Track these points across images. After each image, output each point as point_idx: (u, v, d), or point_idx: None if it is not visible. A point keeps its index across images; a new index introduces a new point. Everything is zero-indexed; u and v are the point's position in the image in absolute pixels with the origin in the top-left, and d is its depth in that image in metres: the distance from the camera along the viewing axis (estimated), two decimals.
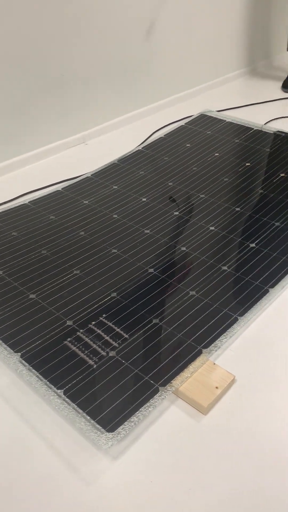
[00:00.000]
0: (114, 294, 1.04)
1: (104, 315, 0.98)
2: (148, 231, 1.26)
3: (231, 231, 1.25)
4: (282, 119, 1.94)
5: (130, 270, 1.11)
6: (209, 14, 2.08)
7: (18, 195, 1.47)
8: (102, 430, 0.75)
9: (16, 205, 1.39)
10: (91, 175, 1.55)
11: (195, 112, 2.02)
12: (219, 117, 1.90)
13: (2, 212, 1.36)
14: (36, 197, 1.43)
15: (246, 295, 1.03)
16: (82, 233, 1.26)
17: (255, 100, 2.14)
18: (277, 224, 1.27)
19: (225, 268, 1.12)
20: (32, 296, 1.03)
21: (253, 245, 1.20)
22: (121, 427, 0.75)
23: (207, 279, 1.08)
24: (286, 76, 2.38)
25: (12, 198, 1.46)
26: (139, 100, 1.95)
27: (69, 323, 0.96)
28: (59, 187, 1.49)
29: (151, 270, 1.11)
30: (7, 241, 1.23)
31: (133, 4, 1.73)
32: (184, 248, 1.19)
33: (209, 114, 1.93)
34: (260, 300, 1.02)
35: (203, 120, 1.89)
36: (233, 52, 2.33)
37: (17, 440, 0.78)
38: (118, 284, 1.07)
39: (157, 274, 1.10)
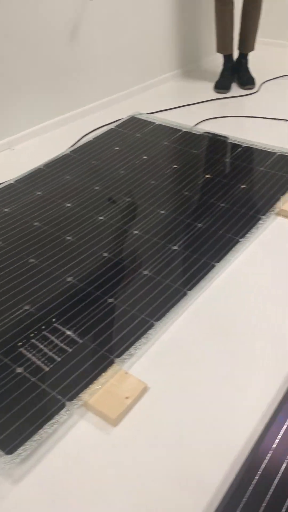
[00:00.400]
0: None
1: None
2: (70, 238, 1.23)
3: (155, 234, 1.24)
4: (212, 120, 1.96)
5: (46, 280, 1.08)
6: (135, 16, 2.07)
7: None
8: (0, 453, 0.71)
9: None
10: (15, 181, 1.50)
11: (126, 115, 2.00)
12: (149, 120, 1.89)
13: None
14: None
15: (164, 298, 1.02)
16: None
17: (186, 102, 2.15)
18: (199, 225, 1.27)
19: (146, 272, 1.10)
20: None
21: (175, 247, 1.19)
22: (21, 447, 0.72)
23: (126, 285, 1.06)
24: (218, 77, 2.41)
25: None
26: (68, 103, 1.91)
27: None
28: None
29: (69, 278, 1.08)
30: None
31: (58, 6, 1.69)
32: (106, 254, 1.16)
33: (139, 117, 1.92)
34: (178, 303, 1.01)
35: (133, 123, 1.87)
36: (163, 54, 2.34)
37: None
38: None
39: (76, 282, 1.07)
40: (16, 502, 0.69)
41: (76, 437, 0.78)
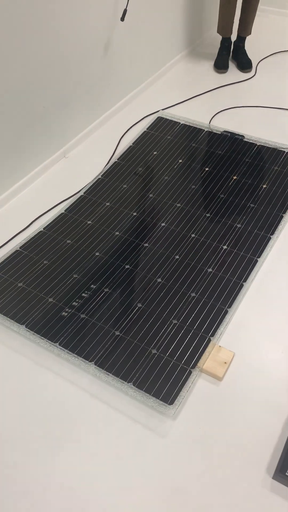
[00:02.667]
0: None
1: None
2: (147, 245, 1.66)
3: (208, 235, 1.69)
4: (223, 112, 2.31)
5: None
6: (149, 10, 2.31)
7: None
8: (166, 404, 1.22)
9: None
10: (84, 193, 1.88)
11: (147, 110, 2.33)
12: (174, 120, 2.24)
13: None
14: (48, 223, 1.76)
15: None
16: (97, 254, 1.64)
17: (196, 90, 2.47)
18: (238, 226, 1.72)
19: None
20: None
21: (225, 246, 1.64)
22: (176, 399, 1.23)
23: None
24: (216, 56, 2.71)
25: None
26: (100, 107, 2.23)
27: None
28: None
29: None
30: None
31: (91, 29, 1.95)
32: (177, 257, 1.61)
33: (165, 116, 2.26)
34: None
35: (161, 124, 2.22)
36: (171, 39, 2.60)
37: (113, 421, 1.23)
38: None
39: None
40: (179, 431, 1.20)
41: (199, 390, 1.29)
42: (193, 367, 1.31)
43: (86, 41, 1.95)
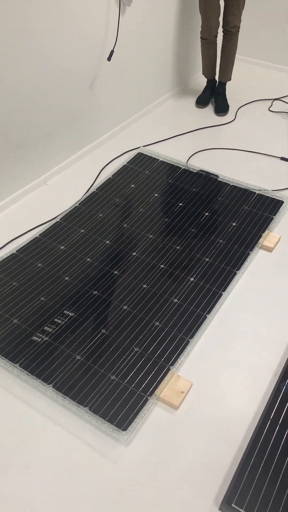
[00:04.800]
0: None
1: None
2: (116, 272, 1.70)
3: (174, 265, 1.74)
4: (201, 152, 2.42)
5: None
6: (138, 52, 2.44)
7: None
8: (119, 430, 1.22)
9: None
10: (60, 219, 1.93)
11: (130, 144, 2.43)
12: (153, 156, 2.33)
13: None
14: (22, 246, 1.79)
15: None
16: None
17: (178, 129, 2.59)
18: (206, 260, 1.77)
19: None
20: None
21: (192, 279, 1.69)
22: (130, 426, 1.23)
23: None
24: (200, 93, 2.88)
25: None
26: (83, 139, 2.31)
27: None
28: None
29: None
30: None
31: (78, 65, 2.06)
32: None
33: (145, 152, 2.36)
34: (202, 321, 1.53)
35: (141, 159, 2.31)
36: (158, 80, 2.73)
37: (65, 445, 1.23)
38: None
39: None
40: (130, 458, 1.21)
41: (153, 418, 1.30)
42: (150, 394, 1.32)
43: (72, 76, 2.05)
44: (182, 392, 1.34)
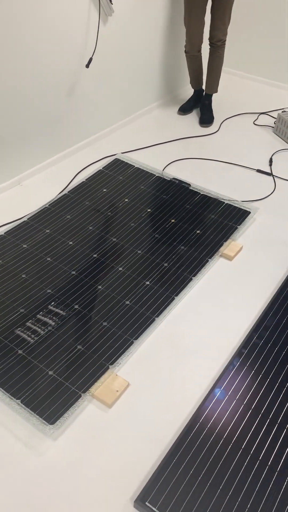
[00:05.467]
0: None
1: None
2: (74, 272, 1.74)
3: (135, 270, 1.76)
4: (178, 161, 2.45)
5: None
6: (122, 62, 2.50)
7: None
8: (47, 423, 1.25)
9: None
10: (28, 219, 1.97)
11: (111, 151, 2.47)
12: (129, 162, 2.38)
13: None
14: None
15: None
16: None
17: (159, 138, 2.63)
18: (165, 265, 1.80)
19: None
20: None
21: (148, 282, 1.71)
22: (59, 420, 1.26)
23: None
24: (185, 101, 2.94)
25: None
26: (61, 144, 2.36)
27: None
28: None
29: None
30: None
31: (56, 69, 2.12)
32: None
33: (121, 158, 2.40)
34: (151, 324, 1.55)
35: (117, 165, 2.35)
36: (144, 90, 2.79)
37: None
38: None
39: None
40: (55, 451, 1.23)
41: (86, 415, 1.32)
42: (85, 391, 1.34)
43: (49, 80, 2.11)
44: (117, 391, 1.35)
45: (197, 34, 2.54)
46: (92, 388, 1.35)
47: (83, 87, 2.30)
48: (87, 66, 2.15)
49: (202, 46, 2.64)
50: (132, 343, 1.50)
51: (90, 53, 2.22)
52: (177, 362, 1.47)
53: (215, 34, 2.55)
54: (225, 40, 2.61)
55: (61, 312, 1.58)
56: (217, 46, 2.61)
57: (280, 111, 2.87)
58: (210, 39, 2.59)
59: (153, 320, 1.58)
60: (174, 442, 1.24)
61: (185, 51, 2.65)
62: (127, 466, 1.21)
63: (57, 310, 1.58)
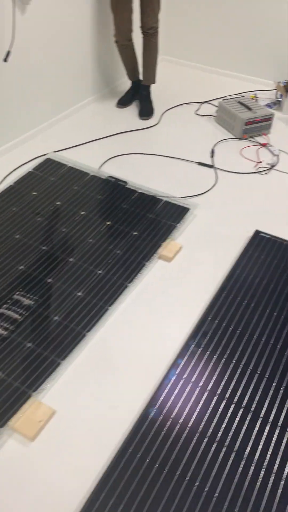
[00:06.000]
0: None
1: None
2: (22, 267, 1.58)
3: (66, 280, 1.62)
4: (115, 158, 2.31)
5: None
6: (50, 53, 2.33)
7: None
8: None
9: None
10: None
11: (43, 150, 2.31)
12: (62, 162, 2.22)
13: None
14: None
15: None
16: None
17: (96, 134, 2.48)
18: (99, 272, 1.66)
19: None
20: None
21: (80, 293, 1.57)
22: None
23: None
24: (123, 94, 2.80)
25: None
26: None
27: None
28: None
29: None
30: None
31: None
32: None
33: (53, 158, 2.24)
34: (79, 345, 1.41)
35: (48, 165, 2.19)
36: (78, 84, 2.62)
37: None
38: None
39: None
40: None
41: (6, 450, 1.17)
42: (2, 425, 1.20)
43: None
44: (40, 421, 1.21)
45: (125, 20, 2.39)
46: (12, 420, 1.21)
47: (3, 83, 2.12)
48: (5, 60, 1.97)
49: (133, 35, 2.50)
50: (59, 364, 1.36)
51: (7, 45, 2.04)
52: (108, 382, 1.34)
53: (146, 21, 2.41)
54: (157, 27, 2.47)
55: None
56: (150, 34, 2.47)
57: (221, 100, 2.77)
58: (141, 27, 2.46)
59: (84, 335, 1.45)
60: (105, 470, 1.12)
61: (115, 41, 2.50)
62: (53, 502, 1.08)
63: None
